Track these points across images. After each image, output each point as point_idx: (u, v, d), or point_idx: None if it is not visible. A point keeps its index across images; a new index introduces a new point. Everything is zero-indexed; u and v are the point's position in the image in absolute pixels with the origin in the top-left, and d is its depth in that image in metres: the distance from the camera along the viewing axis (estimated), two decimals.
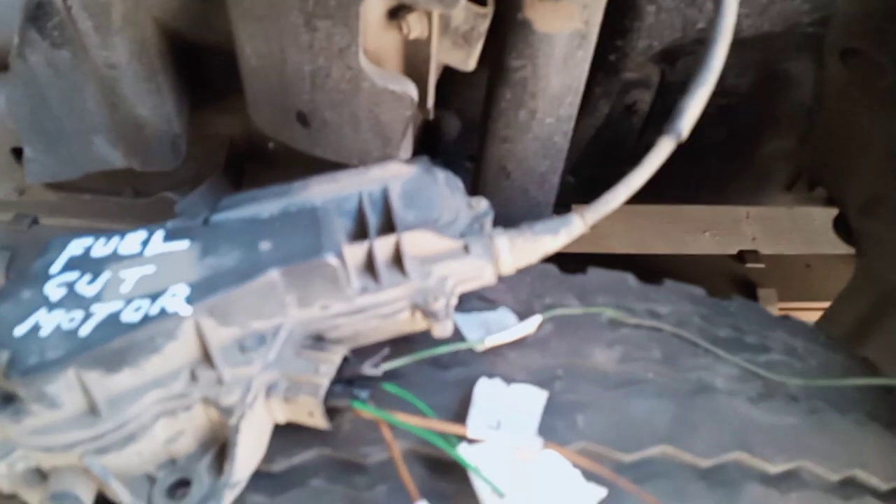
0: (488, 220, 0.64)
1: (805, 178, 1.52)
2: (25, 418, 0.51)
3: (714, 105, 1.47)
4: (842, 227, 1.47)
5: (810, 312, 1.75)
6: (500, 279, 0.75)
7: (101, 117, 0.95)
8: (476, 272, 0.61)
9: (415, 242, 0.59)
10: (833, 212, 1.47)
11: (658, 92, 1.28)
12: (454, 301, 0.60)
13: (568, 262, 0.81)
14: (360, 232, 0.60)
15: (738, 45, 1.24)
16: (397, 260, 0.59)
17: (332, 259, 0.56)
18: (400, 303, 0.59)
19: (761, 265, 2.02)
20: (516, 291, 0.74)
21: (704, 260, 2.08)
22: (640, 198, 1.70)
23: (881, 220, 1.26)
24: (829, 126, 1.34)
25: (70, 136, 1.01)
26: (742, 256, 2.03)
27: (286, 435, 0.59)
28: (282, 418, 0.57)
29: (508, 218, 0.81)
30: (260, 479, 0.58)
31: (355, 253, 0.58)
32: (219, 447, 0.56)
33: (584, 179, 1.45)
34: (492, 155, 0.94)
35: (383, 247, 0.59)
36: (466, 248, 0.61)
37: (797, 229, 2.38)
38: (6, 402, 0.52)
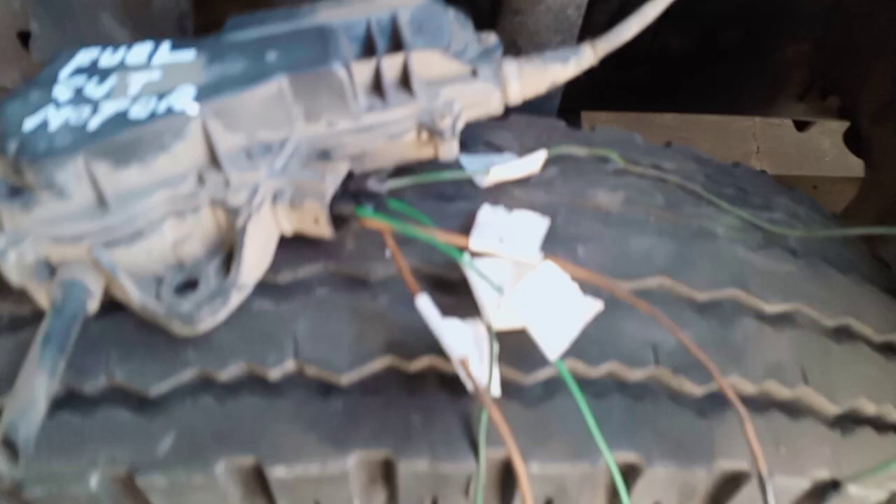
0: (498, 54, 0.64)
1: (818, 87, 1.50)
2: (35, 208, 0.52)
3: (732, 3, 1.44)
4: (852, 140, 1.45)
5: None
6: (506, 127, 0.75)
7: None
8: (483, 97, 0.61)
9: (423, 62, 0.59)
10: (840, 136, 1.46)
11: None
12: (461, 124, 0.60)
13: None
14: (368, 53, 0.60)
15: None
16: (405, 80, 0.59)
17: (339, 69, 0.56)
18: (406, 122, 0.59)
19: None
20: (523, 140, 0.75)
21: None
22: (653, 105, 1.68)
23: (893, 129, 1.25)
24: (846, 28, 1.32)
25: (77, 12, 1.01)
26: None
27: (292, 250, 0.60)
28: (288, 228, 0.58)
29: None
30: (265, 288, 0.59)
31: (363, 70, 0.58)
32: (226, 253, 0.57)
33: (596, 82, 1.43)
34: (503, 28, 0.93)
35: (391, 65, 0.59)
36: (474, 73, 0.61)
37: (804, 151, 2.36)
38: (15, 194, 0.53)
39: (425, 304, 0.53)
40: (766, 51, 1.42)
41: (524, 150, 0.74)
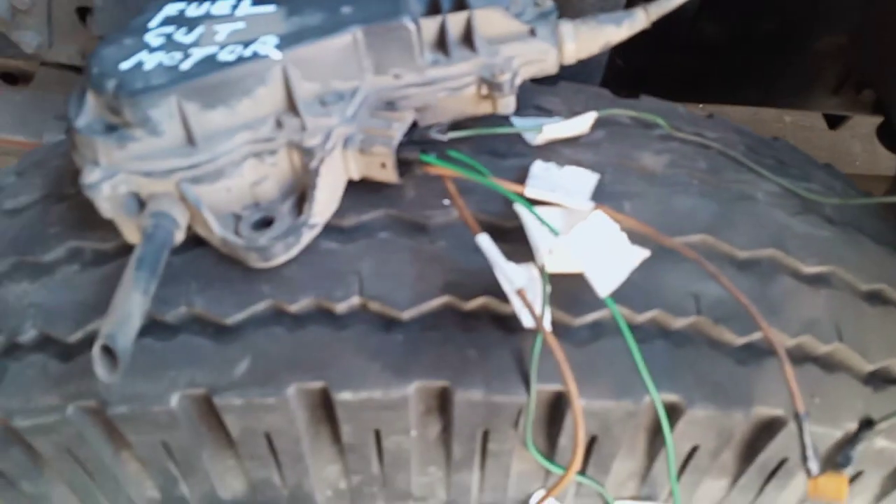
0: (553, 16, 0.68)
1: (853, 80, 1.51)
2: (130, 143, 0.57)
3: None
4: (886, 135, 1.46)
5: None
6: (555, 93, 0.79)
7: None
8: (540, 55, 0.65)
9: (485, 20, 0.63)
10: (871, 139, 1.46)
11: None
12: (518, 80, 0.64)
13: None
14: (433, 12, 0.64)
15: None
16: (467, 37, 0.63)
17: (409, 23, 0.60)
18: (468, 77, 0.63)
19: None
20: (571, 105, 0.78)
21: None
22: (687, 95, 1.70)
23: None
24: (882, 21, 1.33)
25: None
26: None
27: (356, 196, 0.64)
28: (356, 172, 0.62)
29: (562, 73, 0.83)
30: (332, 231, 0.63)
31: (429, 26, 0.62)
32: (299, 195, 0.61)
33: (635, 69, 1.45)
34: None
35: (455, 22, 0.62)
36: (532, 32, 0.64)
37: (835, 153, 2.36)
38: (111, 130, 0.57)
39: (486, 241, 0.57)
40: (802, 42, 1.43)
41: (572, 115, 0.77)
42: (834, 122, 1.72)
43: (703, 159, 0.75)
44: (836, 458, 0.62)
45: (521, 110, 0.76)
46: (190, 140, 0.57)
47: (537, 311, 0.58)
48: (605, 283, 0.56)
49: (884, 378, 0.69)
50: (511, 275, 0.56)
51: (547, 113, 0.77)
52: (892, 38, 1.34)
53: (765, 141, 0.86)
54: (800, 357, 0.66)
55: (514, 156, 0.70)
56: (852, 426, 0.64)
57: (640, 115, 0.76)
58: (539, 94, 0.78)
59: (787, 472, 0.67)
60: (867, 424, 0.61)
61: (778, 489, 0.69)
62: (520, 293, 0.55)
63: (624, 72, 1.48)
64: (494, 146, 0.70)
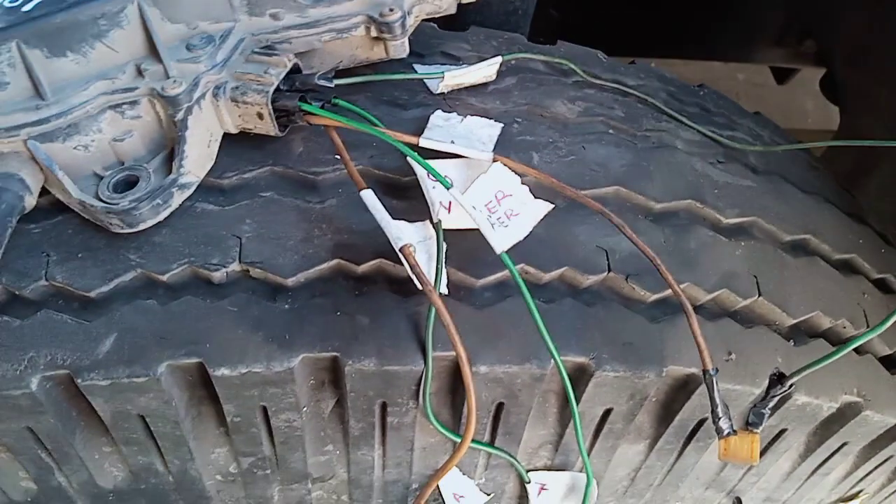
0: None
1: (795, 30, 1.48)
2: None
3: None
4: (829, 87, 1.44)
5: None
6: (464, 39, 0.73)
7: None
8: None
9: None
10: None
11: None
12: (411, 20, 0.59)
13: None
14: None
15: None
16: None
17: None
18: (355, 17, 0.58)
19: None
20: (481, 52, 0.73)
21: None
22: (629, 50, 1.65)
23: (867, 73, 1.24)
24: None
25: None
26: None
27: (238, 152, 0.59)
28: (231, 126, 0.56)
29: (484, 24, 0.79)
30: (210, 190, 0.58)
31: None
32: (167, 152, 0.56)
33: (569, 25, 1.41)
34: None
35: None
36: None
37: (787, 111, 2.35)
38: None
39: (370, 197, 0.52)
40: None
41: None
42: (782, 76, 1.70)
43: (621, 107, 0.71)
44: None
45: (426, 57, 0.71)
46: (37, 92, 0.51)
47: (432, 270, 0.53)
48: (502, 240, 0.52)
49: (807, 332, 0.67)
50: (398, 232, 0.51)
51: (455, 60, 0.71)
52: None
53: (689, 88, 0.82)
54: (717, 312, 0.63)
55: (416, 106, 0.65)
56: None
57: (553, 59, 0.71)
58: (446, 39, 0.73)
59: (707, 433, 0.64)
60: (779, 379, 0.58)
61: (699, 451, 0.66)
62: (404, 251, 0.50)
63: (559, 24, 1.43)
64: (395, 95, 0.65)
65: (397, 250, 0.51)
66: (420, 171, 0.56)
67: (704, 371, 0.54)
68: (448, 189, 0.52)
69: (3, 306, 0.54)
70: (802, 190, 0.75)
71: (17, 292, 0.54)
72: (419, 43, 0.70)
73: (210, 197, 0.57)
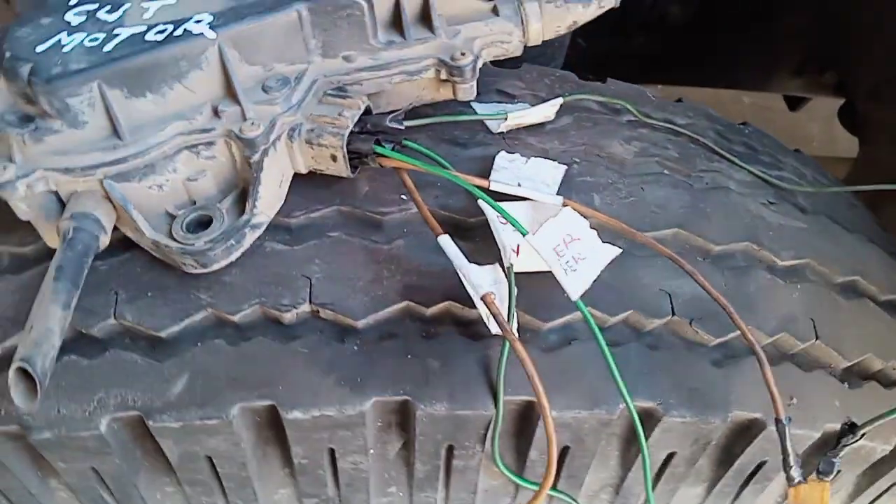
0: None
1: (816, 61, 1.49)
2: (47, 136, 0.50)
3: None
4: (847, 117, 1.45)
5: None
6: (519, 77, 0.74)
7: None
8: (504, 36, 0.60)
9: None
10: (828, 121, 1.46)
11: None
12: (480, 63, 0.59)
13: None
14: None
15: None
16: (425, 16, 0.58)
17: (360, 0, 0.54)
18: (425, 60, 0.58)
19: None
20: (535, 90, 0.73)
21: None
22: (650, 76, 1.66)
23: (889, 106, 1.26)
24: (844, 3, 1.32)
25: None
26: None
27: (305, 192, 0.59)
28: (303, 166, 0.56)
29: (522, 56, 0.79)
30: (278, 229, 0.57)
31: (383, 3, 0.56)
32: (240, 191, 0.55)
33: (597, 53, 1.41)
34: None
35: (411, 0, 0.57)
36: (495, 10, 0.59)
37: (793, 134, 2.37)
38: (27, 121, 0.50)
39: (448, 243, 0.52)
40: (765, 23, 1.41)
41: (537, 100, 0.72)
42: (794, 103, 1.71)
43: (674, 147, 0.72)
44: (817, 462, 0.60)
45: (482, 95, 0.71)
46: (115, 132, 0.51)
47: (504, 315, 0.53)
48: (576, 285, 0.52)
49: (860, 374, 0.67)
50: (476, 279, 0.51)
51: (510, 98, 0.72)
52: (852, 21, 1.32)
53: (734, 127, 0.83)
54: (777, 356, 0.63)
55: (477, 145, 0.65)
56: (830, 426, 0.61)
57: (608, 100, 0.71)
58: (501, 77, 0.73)
59: (765, 476, 0.64)
60: (850, 428, 0.58)
61: (755, 493, 0.66)
62: (485, 299, 0.50)
63: (586, 53, 1.44)
64: (455, 135, 0.66)
65: (477, 298, 0.51)
66: (491, 214, 0.56)
67: (777, 420, 0.54)
68: (525, 236, 0.52)
69: (70, 345, 0.54)
70: (848, 230, 0.76)
71: (84, 331, 0.54)
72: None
73: (278, 236, 0.57)
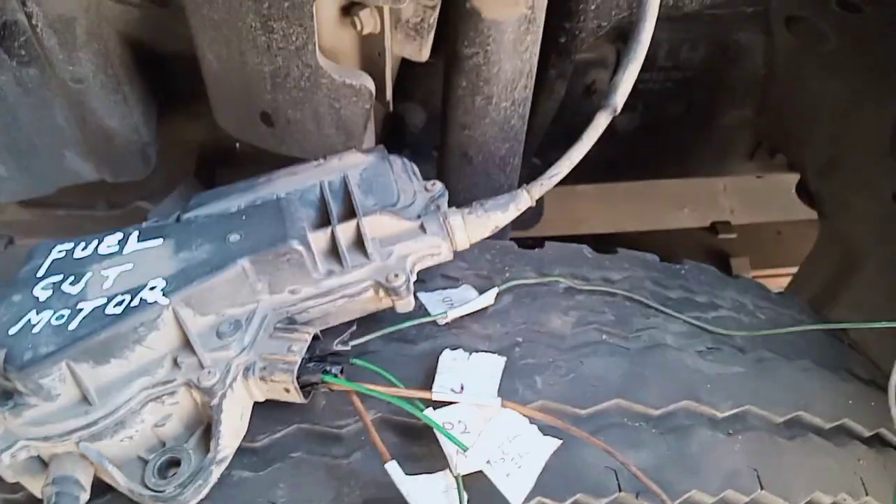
0: (443, 201, 0.69)
1: (765, 147, 1.57)
2: (25, 411, 0.55)
3: (672, 80, 1.52)
4: (804, 192, 1.52)
5: (783, 278, 1.78)
6: (462, 258, 0.80)
7: (71, 131, 0.99)
8: (433, 249, 0.66)
9: (375, 226, 0.64)
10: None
11: (615, 70, 1.32)
12: (414, 277, 0.65)
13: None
14: (323, 219, 0.65)
15: (685, 20, 1.29)
16: (359, 243, 0.64)
17: (297, 245, 0.61)
18: (364, 283, 0.64)
19: (733, 235, 2.07)
20: (477, 268, 0.79)
21: (680, 234, 2.12)
22: (612, 177, 1.73)
23: (839, 182, 1.32)
24: (782, 93, 1.40)
25: (42, 152, 1.05)
26: (714, 228, 2.09)
27: (266, 412, 0.64)
28: (260, 396, 0.61)
29: (474, 201, 0.86)
30: (244, 454, 0.62)
31: (319, 239, 0.63)
32: (204, 427, 0.61)
33: (551, 163, 1.49)
34: (453, 142, 0.98)
35: (345, 231, 0.63)
36: (423, 228, 0.65)
37: (772, 197, 2.42)
38: (5, 398, 0.56)
39: (395, 470, 0.57)
40: (710, 119, 1.49)
41: (479, 279, 0.78)
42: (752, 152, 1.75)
43: (610, 310, 0.77)
44: None
45: (427, 283, 0.77)
46: (85, 398, 0.56)
47: None
48: (517, 490, 0.57)
49: None
50: (426, 501, 0.56)
51: (453, 281, 0.77)
52: (792, 109, 1.40)
53: (671, 269, 0.88)
54: None
55: (425, 339, 0.71)
56: None
57: (543, 280, 0.77)
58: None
59: None
60: None
61: None
62: None
63: (543, 169, 1.51)
64: (404, 332, 0.71)
65: None
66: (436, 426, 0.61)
67: None
68: (464, 452, 0.57)
69: None
70: (788, 358, 0.80)
71: None
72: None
73: (245, 459, 0.62)
